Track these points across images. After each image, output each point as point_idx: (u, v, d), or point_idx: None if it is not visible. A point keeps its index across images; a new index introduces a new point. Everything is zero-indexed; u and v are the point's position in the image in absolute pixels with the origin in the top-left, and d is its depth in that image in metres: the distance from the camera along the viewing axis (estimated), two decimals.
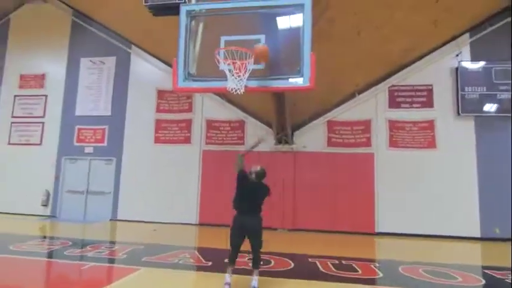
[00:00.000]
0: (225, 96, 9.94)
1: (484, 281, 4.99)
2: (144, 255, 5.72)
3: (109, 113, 10.81)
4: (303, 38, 3.88)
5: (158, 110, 10.52)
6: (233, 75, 3.74)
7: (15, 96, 11.56)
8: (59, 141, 11.02)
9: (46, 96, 11.39)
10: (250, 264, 4.29)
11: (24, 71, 11.65)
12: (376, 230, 8.94)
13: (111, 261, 5.47)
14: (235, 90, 3.81)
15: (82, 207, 10.57)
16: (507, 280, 4.90)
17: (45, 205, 10.71)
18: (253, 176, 4.27)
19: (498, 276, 5.11)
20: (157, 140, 10.38)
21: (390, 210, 8.95)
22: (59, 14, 11.47)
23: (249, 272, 4.34)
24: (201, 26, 4.51)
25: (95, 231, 8.81)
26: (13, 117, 11.46)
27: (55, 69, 11.45)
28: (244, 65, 3.84)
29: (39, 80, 11.57)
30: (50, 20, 11.53)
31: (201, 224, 9.56)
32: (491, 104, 8.82)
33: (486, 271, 5.58)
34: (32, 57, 11.65)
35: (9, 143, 11.34)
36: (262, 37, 4.06)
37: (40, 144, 11.15)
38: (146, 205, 10.04)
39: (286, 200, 9.30)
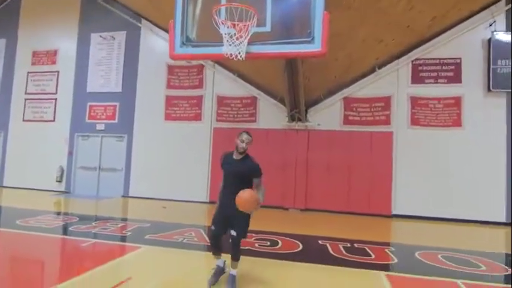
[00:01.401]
0: (237, 71, 9.53)
1: (510, 270, 4.53)
2: (148, 233, 5.59)
3: (120, 90, 10.66)
4: None
5: (169, 86, 10.26)
6: (231, 37, 3.33)
7: (28, 72, 11.57)
8: (71, 118, 11.02)
9: (58, 72, 11.33)
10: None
11: (36, 48, 11.59)
12: (393, 212, 8.55)
13: (114, 238, 5.35)
14: (235, 57, 3.42)
15: (95, 184, 10.67)
16: None
17: (59, 181, 10.85)
18: None
19: None
20: (167, 117, 10.18)
21: (408, 191, 8.51)
22: None
23: (260, 254, 4.21)
24: None
25: (105, 207, 8.81)
26: (27, 93, 11.51)
27: (66, 45, 11.32)
28: (246, 27, 3.43)
29: (51, 56, 11.50)
30: None
31: (211, 202, 9.42)
32: None
33: None
34: (44, 33, 11.54)
35: (23, 120, 11.46)
36: None
37: (53, 120, 11.19)
38: (157, 182, 10.00)
39: (298, 180, 9.00)
